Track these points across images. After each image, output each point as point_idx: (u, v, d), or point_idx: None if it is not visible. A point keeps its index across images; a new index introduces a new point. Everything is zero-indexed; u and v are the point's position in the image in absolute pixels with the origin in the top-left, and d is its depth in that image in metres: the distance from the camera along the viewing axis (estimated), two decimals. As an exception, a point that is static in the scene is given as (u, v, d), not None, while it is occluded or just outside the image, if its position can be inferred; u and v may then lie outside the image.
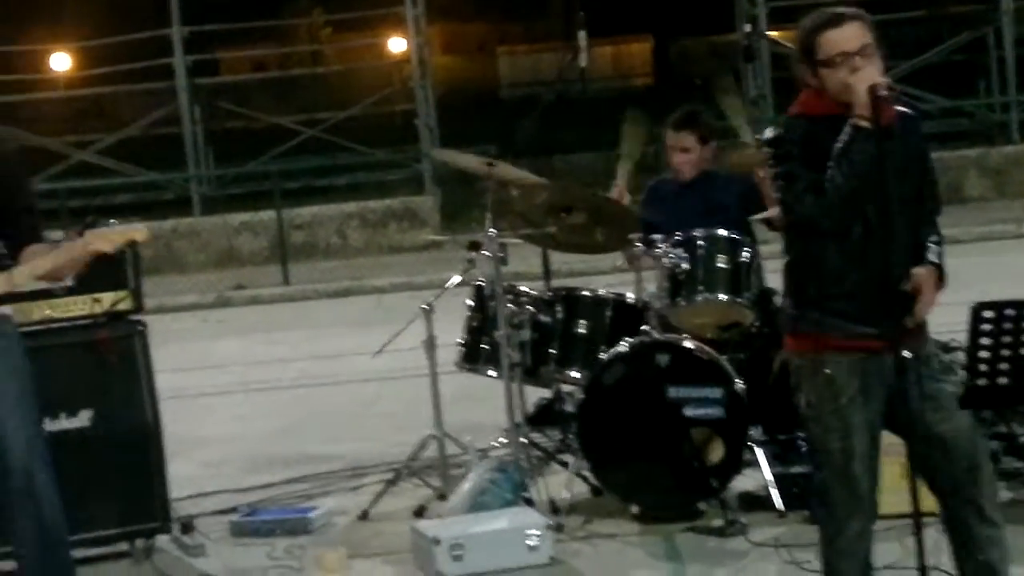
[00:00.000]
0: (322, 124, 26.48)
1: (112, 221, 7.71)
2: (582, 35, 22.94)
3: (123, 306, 8.38)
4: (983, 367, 5.33)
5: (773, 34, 23.09)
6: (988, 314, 5.30)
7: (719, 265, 8.40)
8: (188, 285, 20.79)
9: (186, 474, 9.11)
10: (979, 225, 15.13)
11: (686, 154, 8.82)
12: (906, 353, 5.53)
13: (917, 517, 5.51)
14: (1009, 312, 5.28)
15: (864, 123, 5.57)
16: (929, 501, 5.90)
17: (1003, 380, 5.36)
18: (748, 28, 24.04)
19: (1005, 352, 5.31)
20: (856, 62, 5.66)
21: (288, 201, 23.13)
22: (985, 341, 5.30)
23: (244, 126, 27.51)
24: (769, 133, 6.15)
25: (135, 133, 26.34)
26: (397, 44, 27.16)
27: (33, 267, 6.72)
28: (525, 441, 8.66)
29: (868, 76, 5.59)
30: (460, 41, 45.28)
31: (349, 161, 25.13)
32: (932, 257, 5.77)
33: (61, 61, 33.50)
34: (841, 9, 5.94)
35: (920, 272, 5.61)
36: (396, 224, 22.15)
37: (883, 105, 5.58)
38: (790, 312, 6.09)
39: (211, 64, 29.19)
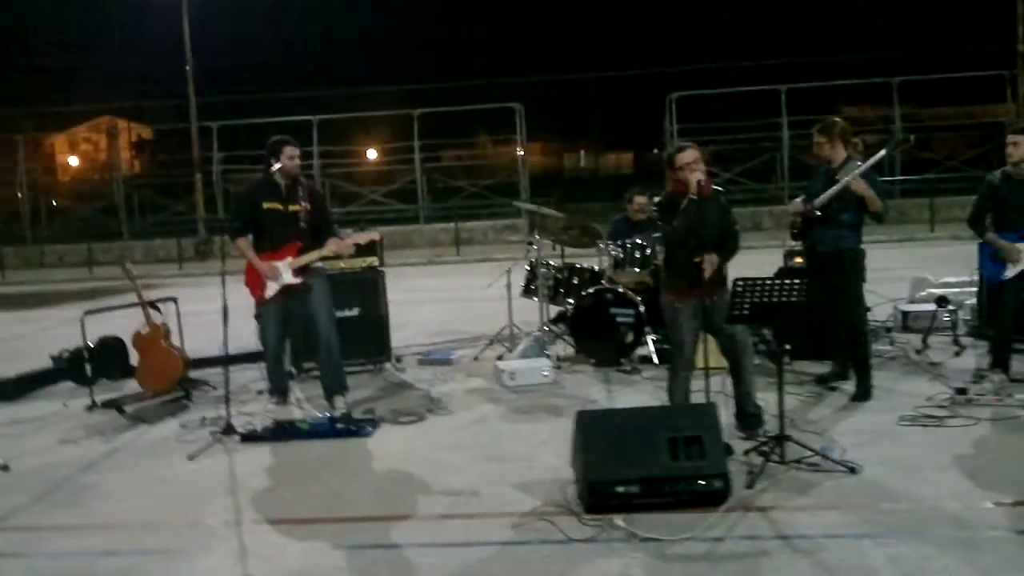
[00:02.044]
0: (481, 186, 26.54)
1: (373, 228, 7.93)
2: (586, 152, 22.85)
3: (375, 263, 8.52)
4: (738, 304, 5.39)
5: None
6: (739, 283, 5.35)
7: (636, 255, 8.35)
8: (414, 255, 20.86)
9: (400, 337, 9.15)
10: (766, 242, 14.88)
11: (645, 207, 8.71)
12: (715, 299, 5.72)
13: (707, 369, 5.61)
14: (749, 282, 5.33)
15: (694, 197, 5.66)
16: (713, 361, 5.97)
17: (746, 312, 5.41)
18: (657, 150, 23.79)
19: (748, 298, 5.36)
20: (691, 167, 5.74)
21: (462, 219, 23.24)
22: (739, 291, 5.36)
23: (446, 186, 27.51)
24: (657, 200, 6.26)
25: (394, 187, 26.34)
26: (516, 151, 27.02)
27: (330, 249, 6.93)
28: (547, 329, 8.63)
29: (696, 176, 5.68)
30: (545, 150, 44.76)
31: (491, 202, 25.06)
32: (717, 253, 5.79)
33: (371, 153, 33.73)
34: (684, 143, 6.02)
35: (706, 255, 5.68)
36: (508, 232, 22.15)
37: (704, 188, 5.66)
38: (664, 280, 6.20)
39: (436, 157, 29.17)
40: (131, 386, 7.87)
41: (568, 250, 9.16)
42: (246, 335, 8.21)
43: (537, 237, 8.76)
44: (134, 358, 7.92)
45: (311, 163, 23.94)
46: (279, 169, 6.88)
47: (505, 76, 30.08)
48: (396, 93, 30.59)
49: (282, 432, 6.45)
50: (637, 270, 8.37)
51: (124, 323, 8.19)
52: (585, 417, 5.08)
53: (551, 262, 8.89)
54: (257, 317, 7.24)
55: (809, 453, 5.28)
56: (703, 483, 4.74)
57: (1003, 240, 6.62)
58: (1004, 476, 5.04)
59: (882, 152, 6.53)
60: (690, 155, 5.81)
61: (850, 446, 5.48)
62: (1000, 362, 6.75)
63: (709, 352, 6.18)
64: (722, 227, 5.87)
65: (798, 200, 6.86)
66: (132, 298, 7.87)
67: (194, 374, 8.06)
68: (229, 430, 6.44)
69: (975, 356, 7.39)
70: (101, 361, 8.23)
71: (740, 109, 24.96)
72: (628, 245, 8.38)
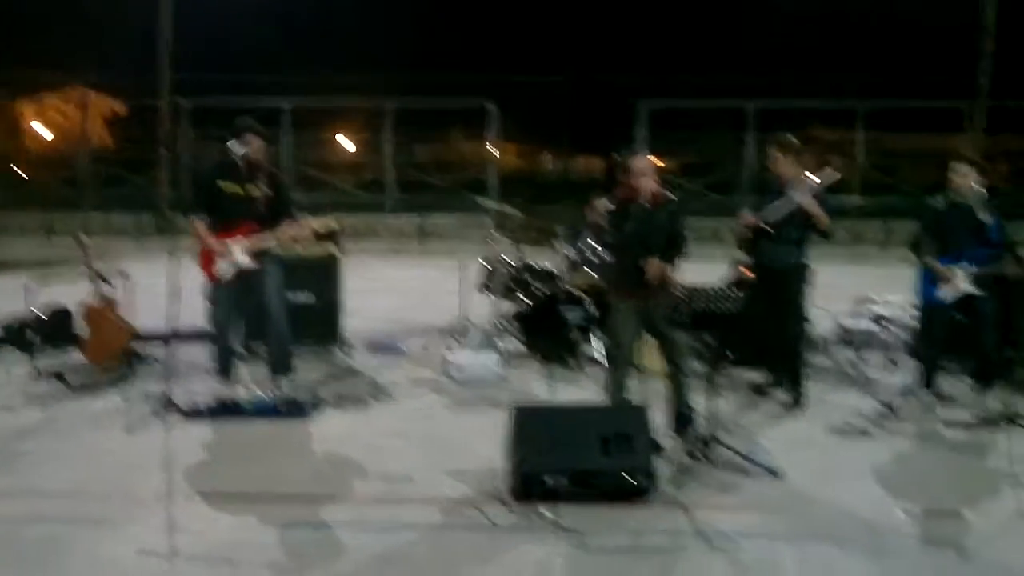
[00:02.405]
0: (450, 181, 26.33)
1: (333, 216, 7.92)
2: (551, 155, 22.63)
3: (333, 252, 8.52)
4: (679, 310, 5.51)
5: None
6: (682, 290, 5.48)
7: (590, 258, 8.34)
8: (377, 245, 20.75)
9: (353, 323, 8.98)
10: (724, 253, 15.01)
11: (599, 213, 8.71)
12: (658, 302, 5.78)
13: (644, 370, 5.70)
14: (690, 290, 5.45)
15: (646, 204, 5.75)
16: (653, 362, 6.08)
17: (686, 318, 5.53)
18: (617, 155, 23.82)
19: (689, 305, 5.48)
20: (644, 174, 5.83)
21: (428, 214, 23.17)
22: (681, 298, 5.48)
23: (418, 179, 27.12)
24: (607, 205, 6.32)
25: (364, 177, 26.12)
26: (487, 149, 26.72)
27: (285, 233, 6.93)
28: (499, 325, 8.68)
29: (648, 184, 5.77)
30: (520, 151, 44.56)
31: (459, 198, 24.72)
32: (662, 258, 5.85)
33: (343, 142, 33.29)
34: (640, 150, 6.12)
35: (650, 260, 5.76)
36: (474, 228, 21.95)
37: (655, 196, 5.76)
38: (612, 282, 6.28)
39: (410, 150, 28.74)
40: (77, 357, 7.81)
41: (530, 249, 9.15)
42: (197, 313, 8.18)
43: (496, 235, 8.81)
44: (82, 329, 7.87)
45: (281, 148, 23.74)
46: (240, 154, 6.86)
47: (484, 74, 29.99)
48: (372, 83, 30.38)
49: (224, 410, 6.47)
50: (589, 271, 8.39)
51: (75, 293, 8.13)
52: (521, 410, 5.17)
53: (508, 259, 8.91)
54: (207, 297, 7.22)
55: (736, 456, 5.39)
56: (630, 478, 4.84)
57: (940, 264, 6.78)
58: (917, 487, 5.21)
59: (834, 174, 6.67)
60: (645, 163, 5.91)
61: (776, 451, 5.60)
62: (928, 380, 6.91)
63: (649, 354, 6.32)
64: (670, 234, 5.93)
65: (747, 213, 6.98)
66: (85, 269, 7.82)
67: (141, 349, 7.98)
68: (170, 405, 6.44)
69: (908, 373, 7.53)
70: (48, 330, 8.16)
71: (710, 122, 25.14)
72: (584, 248, 8.42)
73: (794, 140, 7.00)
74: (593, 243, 8.40)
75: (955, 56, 24.41)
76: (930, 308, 6.94)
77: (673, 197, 6.08)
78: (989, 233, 6.67)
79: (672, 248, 5.91)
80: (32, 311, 7.99)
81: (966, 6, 23.70)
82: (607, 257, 8.14)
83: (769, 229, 6.74)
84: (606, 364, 7.73)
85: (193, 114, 24.75)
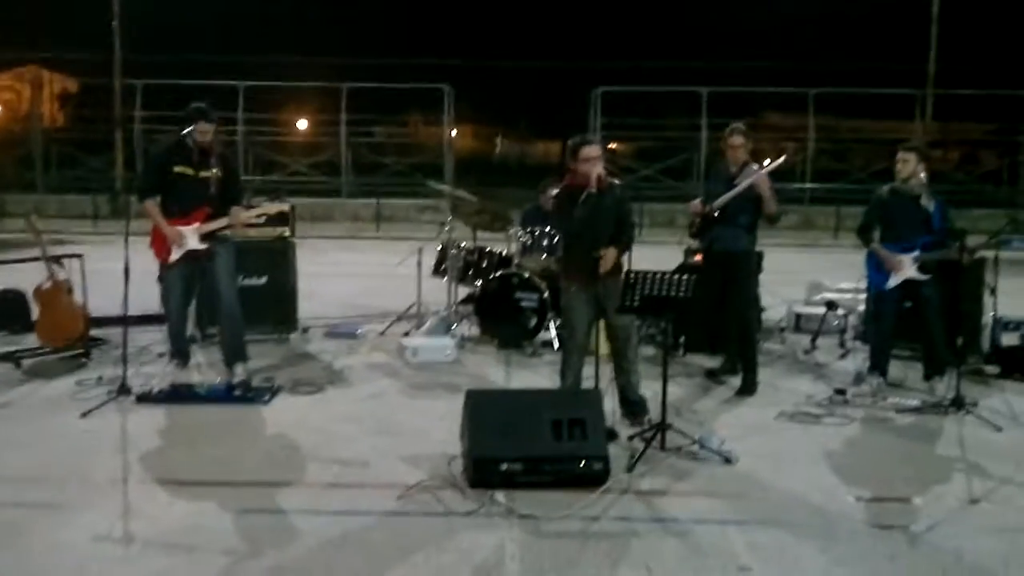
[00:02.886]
0: (406, 164, 26.19)
1: (286, 199, 7.86)
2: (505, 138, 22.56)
3: (287, 235, 8.44)
4: (628, 296, 5.52)
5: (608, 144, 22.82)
6: (632, 275, 5.48)
7: (543, 243, 8.33)
8: (333, 228, 20.56)
9: (309, 308, 9.06)
10: (678, 239, 15.07)
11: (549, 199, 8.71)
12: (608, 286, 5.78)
13: (596, 355, 5.71)
14: (640, 275, 5.46)
15: (593, 191, 5.73)
16: (606, 347, 6.11)
17: (636, 304, 5.54)
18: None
19: (638, 291, 5.48)
20: (592, 160, 5.82)
21: (385, 196, 23.02)
22: (631, 283, 5.49)
23: (375, 162, 26.98)
24: (554, 192, 6.32)
25: (320, 159, 25.85)
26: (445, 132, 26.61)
27: (233, 218, 6.86)
28: (455, 309, 8.67)
29: (597, 170, 5.75)
30: (477, 133, 44.32)
31: (415, 181, 24.71)
32: (614, 245, 5.85)
33: (302, 124, 32.95)
34: (590, 136, 6.11)
35: (604, 251, 5.76)
36: (429, 212, 21.85)
37: (601, 183, 5.74)
38: (563, 267, 6.29)
39: (368, 133, 28.54)
40: (31, 341, 7.67)
41: (484, 234, 9.15)
42: (151, 297, 8.07)
43: (451, 219, 8.78)
44: (35, 312, 7.71)
45: (235, 129, 23.42)
46: (192, 138, 6.77)
47: (440, 57, 29.77)
48: (328, 65, 30.02)
49: (178, 395, 6.39)
50: (544, 257, 8.38)
51: (30, 277, 7.96)
52: (474, 396, 5.16)
53: (463, 244, 8.89)
54: (160, 280, 7.13)
55: (688, 442, 5.43)
56: (583, 464, 4.85)
57: (887, 251, 6.87)
58: (868, 473, 5.27)
59: (781, 158, 6.73)
60: (595, 150, 5.89)
61: (729, 437, 5.64)
62: (878, 366, 7.01)
63: (601, 339, 6.33)
64: (618, 219, 5.93)
65: (696, 202, 7.04)
66: (38, 252, 7.66)
67: (96, 333, 7.89)
68: (125, 390, 6.35)
69: (859, 359, 7.66)
70: (1, 313, 8.01)
71: (664, 108, 25.22)
72: (537, 232, 8.40)
73: (742, 127, 7.05)
74: (545, 228, 8.41)
75: (906, 44, 24.71)
76: (879, 294, 7.05)
77: (619, 182, 6.08)
78: (932, 220, 6.77)
79: (620, 234, 5.92)
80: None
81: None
82: (558, 243, 8.23)
83: (715, 215, 6.79)
84: (559, 348, 7.87)
85: (145, 94, 24.32)
